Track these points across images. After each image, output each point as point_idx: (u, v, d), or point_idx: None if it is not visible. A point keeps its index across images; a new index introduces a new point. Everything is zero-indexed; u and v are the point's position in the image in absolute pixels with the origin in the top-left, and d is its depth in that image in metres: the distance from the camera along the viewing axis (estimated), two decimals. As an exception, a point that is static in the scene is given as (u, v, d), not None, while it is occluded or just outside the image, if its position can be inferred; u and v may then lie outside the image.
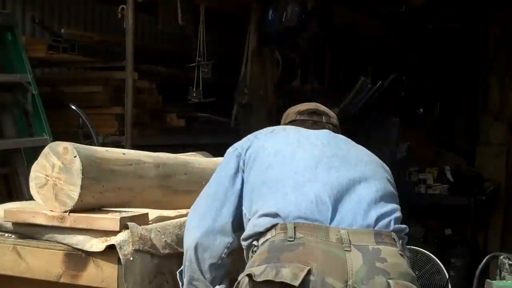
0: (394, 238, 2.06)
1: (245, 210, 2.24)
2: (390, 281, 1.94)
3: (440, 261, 4.89)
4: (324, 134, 2.35)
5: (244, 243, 2.16)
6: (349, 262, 1.93)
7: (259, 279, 1.90)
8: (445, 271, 4.82)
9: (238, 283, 2.02)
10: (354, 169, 2.20)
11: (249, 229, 2.13)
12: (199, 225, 2.23)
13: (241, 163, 2.30)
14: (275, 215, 2.08)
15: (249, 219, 2.17)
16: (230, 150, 2.38)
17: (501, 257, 2.64)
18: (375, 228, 2.06)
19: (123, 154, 2.37)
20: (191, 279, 2.22)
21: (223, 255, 2.21)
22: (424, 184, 6.96)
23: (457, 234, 7.02)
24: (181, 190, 2.53)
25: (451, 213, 7.04)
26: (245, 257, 2.18)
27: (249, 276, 1.93)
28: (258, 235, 2.09)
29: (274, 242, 2.01)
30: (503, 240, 7.46)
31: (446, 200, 6.88)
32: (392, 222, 2.10)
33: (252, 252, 2.09)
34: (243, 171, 2.29)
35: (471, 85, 8.04)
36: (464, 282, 5.66)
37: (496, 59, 7.68)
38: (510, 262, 2.59)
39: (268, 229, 2.06)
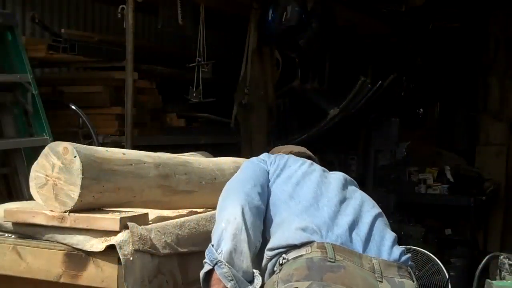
0: (410, 272, 2.15)
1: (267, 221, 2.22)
2: None
3: (440, 261, 4.89)
4: (343, 175, 2.45)
5: (269, 253, 2.13)
6: None
7: None
8: (445, 271, 4.82)
9: None
10: (372, 209, 2.30)
11: (280, 240, 2.11)
12: (238, 192, 2.19)
13: (267, 168, 2.36)
14: (312, 232, 2.09)
15: (270, 233, 2.17)
16: (250, 160, 2.41)
17: (501, 257, 2.64)
18: (398, 262, 2.15)
19: (123, 154, 2.36)
20: (234, 249, 2.06)
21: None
22: (424, 184, 6.96)
23: (457, 234, 7.01)
24: (181, 190, 2.52)
25: (451, 213, 7.04)
26: (262, 266, 2.15)
27: None
28: (290, 248, 2.08)
29: (313, 260, 2.01)
30: (503, 240, 7.46)
31: (446, 200, 6.88)
32: (409, 260, 2.20)
33: (279, 264, 2.07)
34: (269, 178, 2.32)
35: (471, 85, 8.04)
36: (464, 282, 5.66)
37: (496, 59, 7.68)
38: (510, 262, 2.59)
39: (303, 244, 2.06)
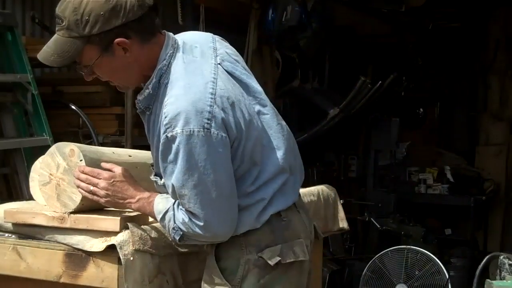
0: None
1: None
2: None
3: (440, 261, 4.90)
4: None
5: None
6: (305, 222, 2.18)
7: (284, 261, 2.06)
8: (445, 271, 4.83)
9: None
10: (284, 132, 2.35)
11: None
12: (227, 214, 2.01)
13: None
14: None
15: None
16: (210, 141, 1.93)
17: (501, 257, 2.63)
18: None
19: (129, 156, 2.38)
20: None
21: None
22: (424, 184, 6.95)
23: (457, 234, 7.01)
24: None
25: (451, 213, 7.04)
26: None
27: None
28: None
29: (272, 222, 2.07)
30: (503, 240, 7.45)
31: (446, 200, 6.88)
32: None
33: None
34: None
35: (471, 85, 8.03)
36: (464, 282, 5.66)
37: (496, 59, 7.67)
38: (510, 262, 2.59)
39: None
